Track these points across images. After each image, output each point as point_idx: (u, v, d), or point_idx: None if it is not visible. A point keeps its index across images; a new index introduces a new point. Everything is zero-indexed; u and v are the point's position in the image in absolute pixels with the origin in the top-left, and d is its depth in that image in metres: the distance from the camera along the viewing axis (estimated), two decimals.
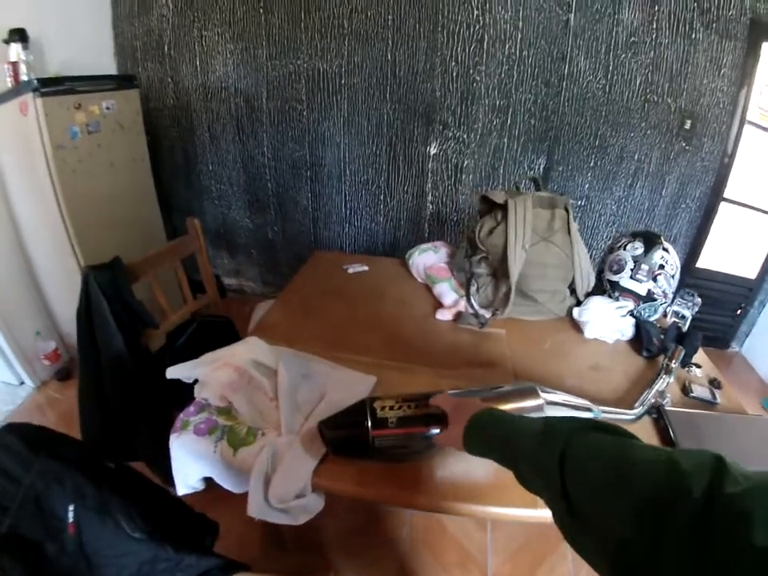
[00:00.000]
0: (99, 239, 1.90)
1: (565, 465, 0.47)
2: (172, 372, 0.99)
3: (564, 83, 2.07)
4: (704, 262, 2.37)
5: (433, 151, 2.28)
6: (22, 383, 2.04)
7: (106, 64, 2.32)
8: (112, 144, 1.96)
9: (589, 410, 0.87)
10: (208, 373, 0.95)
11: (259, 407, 0.89)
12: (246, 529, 1.38)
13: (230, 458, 0.85)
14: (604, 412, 0.88)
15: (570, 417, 0.59)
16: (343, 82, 2.19)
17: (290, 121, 2.32)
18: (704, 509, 0.33)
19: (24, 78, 1.73)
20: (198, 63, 2.29)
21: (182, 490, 0.93)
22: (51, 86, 1.66)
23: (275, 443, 0.84)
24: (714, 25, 1.91)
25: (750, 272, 2.38)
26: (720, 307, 2.47)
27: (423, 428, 0.74)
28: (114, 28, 2.31)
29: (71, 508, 0.78)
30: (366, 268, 1.60)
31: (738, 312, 2.50)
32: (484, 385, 0.86)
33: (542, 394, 0.82)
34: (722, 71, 1.99)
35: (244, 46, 2.21)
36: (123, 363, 1.30)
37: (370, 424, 0.75)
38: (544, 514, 0.76)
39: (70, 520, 0.78)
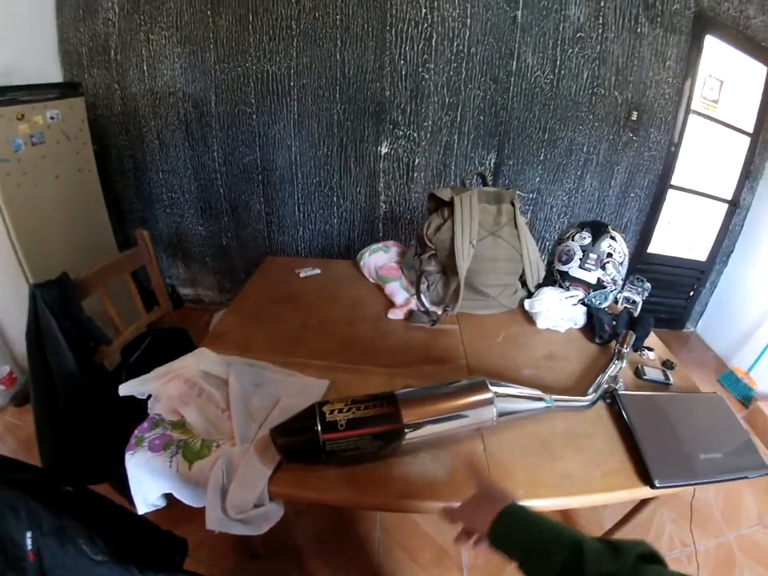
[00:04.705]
0: (47, 254, 1.84)
1: None
2: (124, 389, 0.98)
3: (512, 79, 2.10)
4: (655, 247, 2.45)
5: (384, 150, 2.28)
6: None
7: (50, 71, 2.22)
8: (57, 155, 1.89)
9: (541, 399, 0.88)
10: (159, 387, 0.94)
11: (211, 419, 0.88)
12: (216, 541, 1.36)
13: (186, 473, 0.84)
14: (557, 400, 0.90)
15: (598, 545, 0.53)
16: (292, 83, 2.17)
17: (240, 125, 2.29)
18: None
19: None
20: (145, 68, 2.23)
21: (142, 508, 0.92)
22: None
23: (229, 453, 0.83)
24: (659, 19, 1.98)
25: (701, 254, 2.47)
26: (673, 290, 2.55)
27: (373, 428, 0.75)
28: (59, 33, 2.21)
29: (29, 535, 0.76)
30: (317, 271, 1.60)
31: (691, 293, 2.58)
32: (438, 382, 0.87)
33: (492, 387, 0.83)
34: (667, 63, 2.06)
35: (192, 49, 2.16)
36: (76, 383, 1.26)
37: (319, 428, 0.75)
38: None
39: (29, 547, 0.76)
